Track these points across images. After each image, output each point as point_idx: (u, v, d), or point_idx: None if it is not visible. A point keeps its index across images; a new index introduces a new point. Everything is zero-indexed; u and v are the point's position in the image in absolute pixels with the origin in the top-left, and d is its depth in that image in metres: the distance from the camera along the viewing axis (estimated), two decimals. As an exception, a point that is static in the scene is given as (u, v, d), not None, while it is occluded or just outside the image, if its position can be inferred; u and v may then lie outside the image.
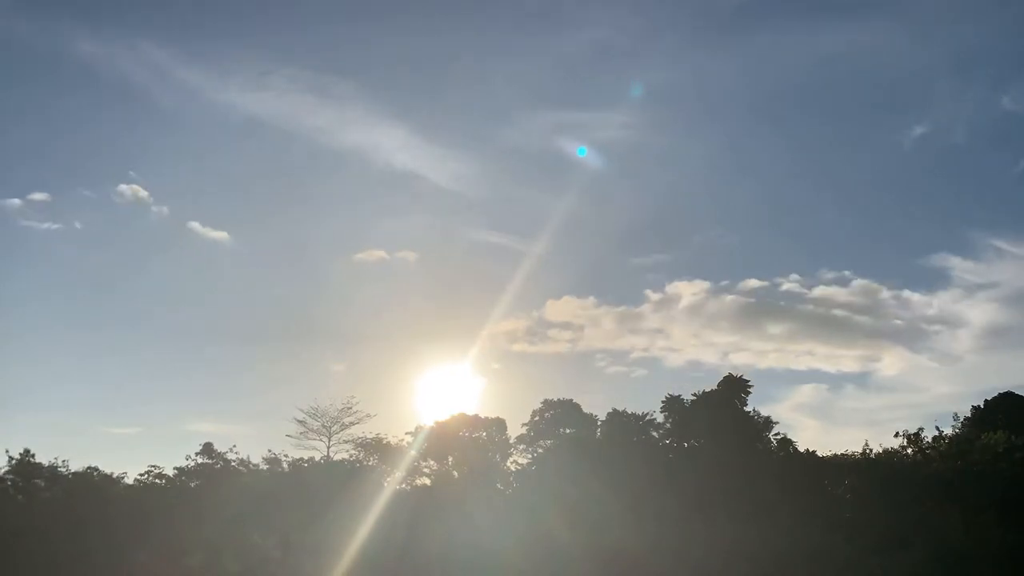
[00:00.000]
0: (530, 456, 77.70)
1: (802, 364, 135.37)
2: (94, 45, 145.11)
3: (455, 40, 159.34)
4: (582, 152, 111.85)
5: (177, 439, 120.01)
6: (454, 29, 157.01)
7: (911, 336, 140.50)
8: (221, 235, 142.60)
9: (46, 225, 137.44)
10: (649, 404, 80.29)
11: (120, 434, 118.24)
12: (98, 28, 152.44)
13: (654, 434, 74.38)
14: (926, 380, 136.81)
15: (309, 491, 68.76)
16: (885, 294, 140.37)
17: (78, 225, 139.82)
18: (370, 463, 76.89)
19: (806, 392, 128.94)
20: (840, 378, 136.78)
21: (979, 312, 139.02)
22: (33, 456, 73.26)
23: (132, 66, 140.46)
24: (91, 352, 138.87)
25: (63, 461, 74.21)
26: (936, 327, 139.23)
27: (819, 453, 71.43)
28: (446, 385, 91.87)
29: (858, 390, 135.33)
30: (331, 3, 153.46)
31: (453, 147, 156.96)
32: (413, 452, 77.29)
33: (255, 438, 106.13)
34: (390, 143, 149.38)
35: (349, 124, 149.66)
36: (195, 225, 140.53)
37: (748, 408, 72.22)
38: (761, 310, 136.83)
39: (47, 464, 73.76)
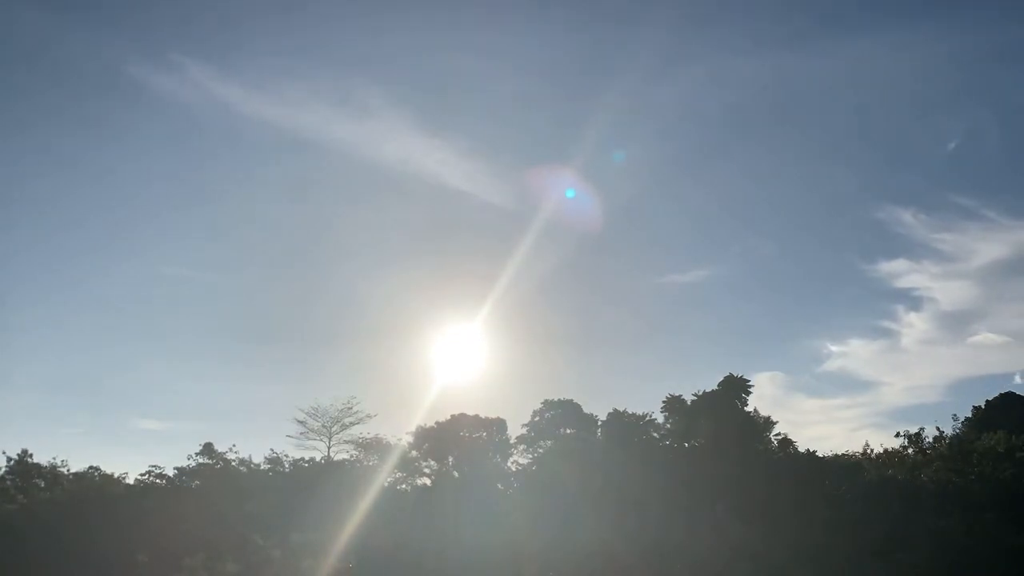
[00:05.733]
0: (531, 456, 77.59)
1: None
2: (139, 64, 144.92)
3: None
4: (570, 194, 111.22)
5: (124, 437, 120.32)
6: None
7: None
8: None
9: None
10: (650, 404, 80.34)
11: (69, 433, 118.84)
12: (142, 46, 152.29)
13: (654, 434, 74.18)
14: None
15: (309, 491, 68.71)
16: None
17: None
18: (370, 463, 76.83)
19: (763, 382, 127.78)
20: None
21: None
22: (31, 456, 73.39)
23: (176, 85, 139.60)
24: (41, 351, 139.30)
25: (62, 461, 74.44)
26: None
27: (819, 453, 71.51)
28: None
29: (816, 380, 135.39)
30: (360, 14, 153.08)
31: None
32: (413, 452, 77.25)
33: (203, 435, 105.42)
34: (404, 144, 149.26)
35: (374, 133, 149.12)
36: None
37: (748, 408, 72.12)
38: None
39: (47, 464, 73.88)
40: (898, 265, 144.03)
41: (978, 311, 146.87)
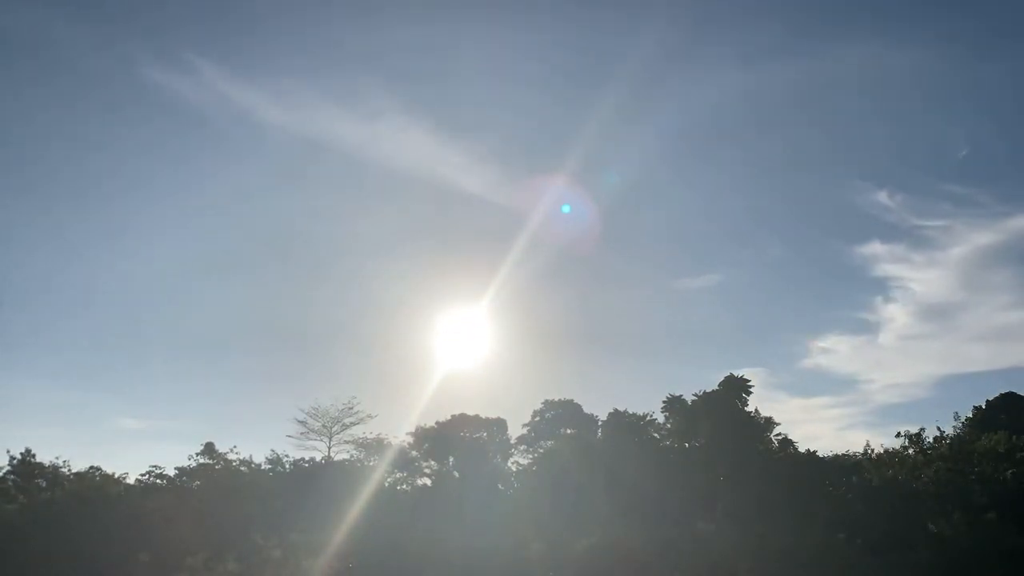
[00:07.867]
0: (531, 456, 77.69)
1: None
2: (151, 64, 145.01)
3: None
4: (566, 209, 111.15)
5: (123, 437, 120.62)
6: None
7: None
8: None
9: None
10: (650, 404, 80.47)
11: (68, 433, 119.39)
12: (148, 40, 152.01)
13: (655, 434, 74.25)
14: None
15: (310, 491, 68.75)
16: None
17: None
18: (371, 463, 76.88)
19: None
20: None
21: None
22: (34, 456, 73.42)
23: (189, 88, 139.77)
24: (40, 349, 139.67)
25: (64, 461, 74.42)
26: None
27: (820, 453, 71.59)
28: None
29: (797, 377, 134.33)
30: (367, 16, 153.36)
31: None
32: (414, 452, 77.31)
33: (203, 435, 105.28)
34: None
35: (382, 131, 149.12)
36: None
37: (749, 408, 72.09)
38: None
39: (48, 464, 73.86)
40: (878, 253, 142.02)
41: (962, 303, 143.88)
